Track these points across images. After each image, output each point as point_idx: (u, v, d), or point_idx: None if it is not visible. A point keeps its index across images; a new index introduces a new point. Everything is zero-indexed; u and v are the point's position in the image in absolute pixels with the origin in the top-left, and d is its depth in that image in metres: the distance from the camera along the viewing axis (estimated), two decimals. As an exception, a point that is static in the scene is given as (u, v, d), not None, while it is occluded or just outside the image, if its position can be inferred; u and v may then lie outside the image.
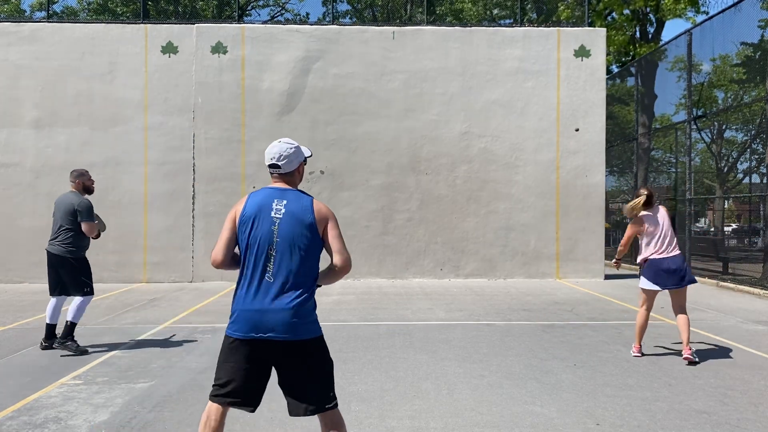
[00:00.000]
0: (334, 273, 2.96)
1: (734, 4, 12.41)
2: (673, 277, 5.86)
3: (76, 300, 6.22)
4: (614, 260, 6.41)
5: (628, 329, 7.43)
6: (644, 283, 6.03)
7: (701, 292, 11.04)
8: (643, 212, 6.05)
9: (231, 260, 2.97)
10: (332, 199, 12.77)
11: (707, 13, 19.86)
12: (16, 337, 7.04)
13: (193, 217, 12.72)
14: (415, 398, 4.75)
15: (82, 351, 6.16)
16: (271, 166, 2.98)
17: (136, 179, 12.68)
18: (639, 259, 6.12)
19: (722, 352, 6.31)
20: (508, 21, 26.46)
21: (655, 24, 21.17)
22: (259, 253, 2.84)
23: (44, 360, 5.98)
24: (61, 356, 6.11)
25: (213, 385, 2.94)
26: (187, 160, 12.75)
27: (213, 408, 2.91)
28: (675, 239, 6.05)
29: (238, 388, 2.86)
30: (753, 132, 22.28)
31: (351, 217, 12.85)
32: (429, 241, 12.96)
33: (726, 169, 26.72)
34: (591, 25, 18.03)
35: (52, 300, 6.35)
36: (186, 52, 12.81)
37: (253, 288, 2.83)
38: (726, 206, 27.00)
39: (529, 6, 25.56)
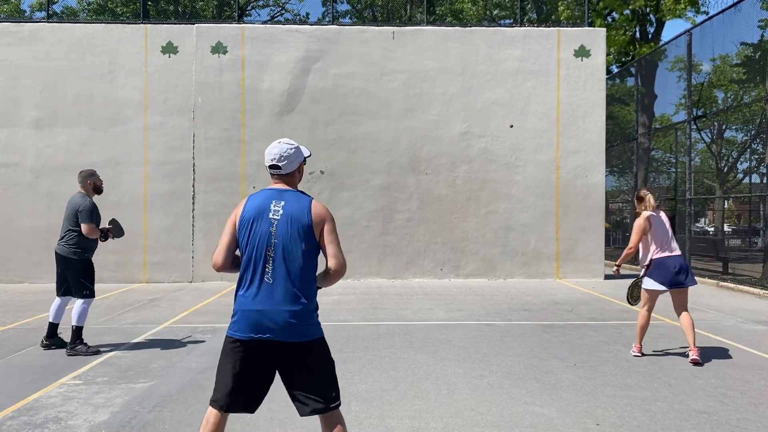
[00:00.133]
0: (329, 276, 2.96)
1: (734, 4, 12.42)
2: (678, 277, 5.86)
3: (78, 304, 6.22)
4: (616, 266, 6.14)
5: (628, 329, 7.43)
6: (649, 284, 6.00)
7: (701, 292, 11.04)
8: (649, 212, 6.07)
9: (232, 263, 2.97)
10: (332, 199, 12.77)
11: (707, 13, 19.87)
12: (16, 337, 7.04)
13: (193, 217, 12.72)
14: (415, 398, 4.75)
15: (94, 352, 6.17)
16: (271, 167, 2.97)
17: (136, 179, 12.68)
18: (646, 261, 6.06)
19: (722, 352, 6.31)
20: (508, 21, 26.46)
21: (655, 24, 21.18)
22: (258, 255, 2.84)
23: (44, 360, 5.98)
24: (68, 355, 6.12)
25: (214, 390, 2.93)
26: (187, 160, 12.75)
27: (213, 412, 2.91)
28: (675, 240, 6.06)
29: (238, 391, 2.85)
30: (753, 132, 22.27)
31: (351, 217, 12.85)
32: (429, 241, 12.96)
33: (726, 169, 26.71)
34: (591, 25, 18.04)
35: (57, 299, 6.40)
36: (186, 52, 12.81)
37: (253, 289, 2.83)
38: (726, 206, 26.98)
39: (528, 6, 25.56)
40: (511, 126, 12.58)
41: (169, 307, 9.44)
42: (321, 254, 2.99)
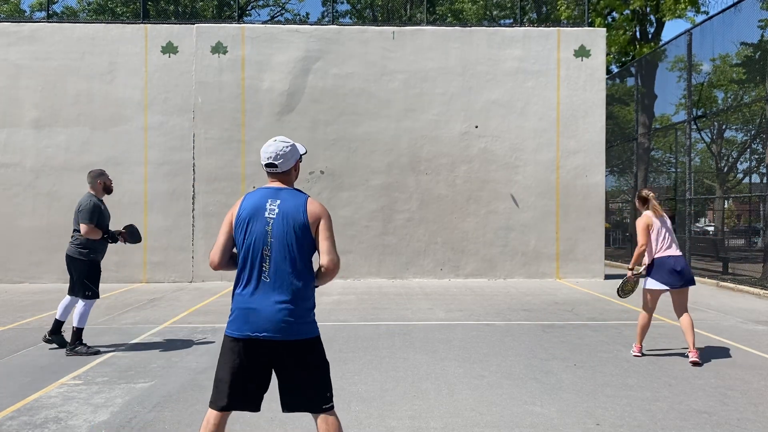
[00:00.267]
0: (322, 275, 2.94)
1: (734, 4, 12.42)
2: (679, 277, 5.87)
3: (79, 305, 6.21)
4: (629, 270, 6.10)
5: (628, 329, 7.43)
6: (651, 283, 5.99)
7: (701, 292, 11.04)
8: (646, 211, 6.08)
9: (228, 262, 2.97)
10: (332, 199, 12.77)
11: (707, 13, 19.88)
12: (16, 337, 7.04)
13: (193, 217, 12.72)
14: (415, 398, 4.75)
15: (94, 352, 6.16)
16: (267, 165, 2.97)
17: (136, 179, 12.68)
18: (647, 260, 6.08)
19: (722, 352, 6.31)
20: (508, 21, 26.46)
21: (655, 24, 21.18)
22: (255, 254, 2.85)
23: (44, 360, 5.98)
24: (68, 355, 6.12)
25: (213, 390, 2.93)
26: (187, 160, 12.75)
27: (213, 413, 2.91)
28: (676, 240, 6.06)
29: (236, 390, 2.86)
30: (753, 132, 22.27)
31: (351, 217, 12.85)
32: (429, 241, 12.96)
33: (726, 169, 26.71)
34: (591, 25, 18.04)
35: (67, 298, 6.40)
36: (186, 52, 12.81)
37: (250, 288, 2.84)
38: (726, 206, 26.97)
39: (528, 6, 25.56)
40: (476, 127, 12.58)
41: (169, 307, 9.44)
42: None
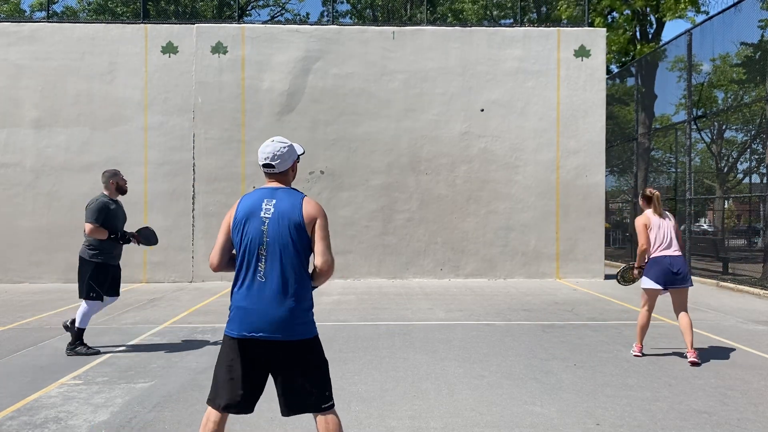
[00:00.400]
0: (317, 275, 2.93)
1: (734, 4, 12.42)
2: (674, 277, 5.87)
3: (82, 305, 6.19)
4: (636, 269, 6.16)
5: (628, 329, 7.43)
6: (646, 282, 6.03)
7: (701, 292, 11.04)
8: (648, 210, 6.10)
9: (228, 263, 2.99)
10: (332, 199, 12.77)
11: (707, 13, 19.87)
12: (16, 337, 7.04)
13: (193, 217, 12.72)
14: (415, 398, 4.75)
15: (94, 352, 6.16)
16: (264, 165, 2.98)
17: (136, 179, 12.66)
18: (644, 258, 6.11)
19: (722, 352, 6.31)
20: (508, 21, 26.46)
21: (655, 24, 21.18)
22: (251, 254, 2.86)
23: (44, 360, 5.98)
24: (68, 355, 6.12)
25: (210, 388, 2.95)
26: (187, 160, 12.76)
27: (212, 411, 2.92)
28: (676, 241, 6.00)
29: (234, 390, 2.86)
30: (753, 132, 22.27)
31: (351, 217, 12.85)
32: (429, 241, 12.96)
33: (726, 169, 26.71)
34: (591, 25, 18.04)
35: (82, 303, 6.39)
36: (186, 52, 12.81)
37: (246, 288, 2.85)
38: (726, 206, 26.97)
39: (527, 5, 25.55)
40: (482, 110, 12.50)
41: (169, 307, 9.44)
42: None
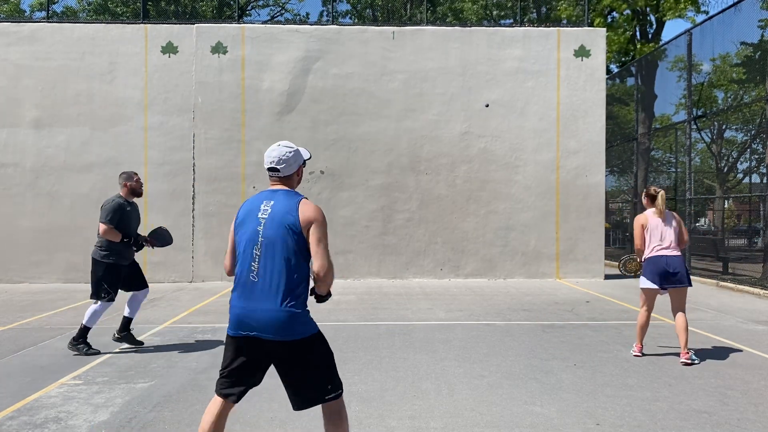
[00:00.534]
0: (315, 281, 2.92)
1: (734, 4, 12.42)
2: (670, 277, 5.86)
3: (94, 305, 6.19)
4: (640, 261, 6.25)
5: (628, 329, 7.43)
6: (643, 282, 6.05)
7: (701, 292, 11.04)
8: (650, 209, 6.08)
9: None
10: (332, 199, 12.77)
11: (707, 13, 19.87)
12: (16, 337, 7.04)
13: (193, 217, 12.72)
14: (415, 398, 4.75)
15: (94, 352, 6.15)
16: (270, 169, 3.00)
17: (136, 179, 12.67)
18: (643, 258, 6.12)
19: (722, 352, 6.31)
20: (508, 21, 26.46)
21: (655, 24, 21.18)
22: (246, 254, 2.90)
23: (44, 360, 5.98)
24: (74, 355, 6.12)
25: (219, 378, 3.02)
26: (187, 160, 12.76)
27: (216, 399, 3.00)
28: (676, 241, 5.97)
29: (239, 379, 2.95)
30: (753, 132, 22.27)
31: (351, 217, 12.85)
32: (429, 241, 12.96)
33: (726, 169, 26.71)
34: (591, 24, 18.04)
35: (135, 295, 6.44)
36: (186, 52, 12.81)
37: (241, 287, 2.90)
38: (726, 206, 26.97)
39: (527, 5, 25.55)
40: (487, 105, 12.37)
41: (169, 307, 9.44)
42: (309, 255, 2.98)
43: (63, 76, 12.65)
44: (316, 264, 2.86)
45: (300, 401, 2.92)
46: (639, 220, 6.13)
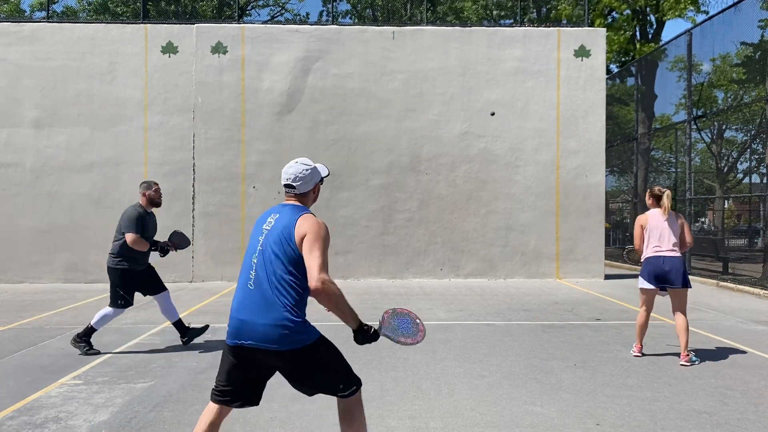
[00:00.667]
0: (316, 297, 2.77)
1: (734, 4, 12.42)
2: (666, 277, 5.84)
3: (106, 308, 6.20)
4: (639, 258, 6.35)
5: (628, 329, 7.43)
6: (640, 282, 6.05)
7: (701, 292, 11.04)
8: (653, 209, 6.07)
9: None
10: (332, 199, 12.78)
11: (707, 13, 19.87)
12: (16, 337, 7.04)
13: (193, 217, 12.72)
14: (415, 398, 4.75)
15: (94, 353, 6.13)
16: (286, 185, 3.02)
17: (136, 179, 12.66)
18: (642, 258, 6.12)
19: (722, 352, 6.31)
20: (508, 21, 26.46)
21: (655, 24, 21.18)
22: (247, 262, 2.92)
23: (44, 360, 5.98)
24: (80, 354, 6.11)
25: (213, 387, 3.01)
26: (187, 160, 12.76)
27: (210, 404, 3.00)
28: (677, 241, 5.93)
29: (234, 391, 2.93)
30: (753, 132, 22.27)
31: (351, 217, 12.85)
32: (429, 241, 12.96)
33: (726, 169, 26.71)
34: (591, 25, 18.04)
35: (161, 297, 6.47)
36: (186, 52, 12.81)
37: (238, 295, 2.91)
38: (726, 206, 26.97)
39: (527, 5, 25.55)
40: (492, 114, 12.17)
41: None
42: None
43: (63, 76, 12.65)
44: (310, 281, 2.70)
45: (309, 393, 2.98)
46: (639, 220, 6.14)
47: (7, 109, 12.58)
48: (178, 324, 6.51)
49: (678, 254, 5.91)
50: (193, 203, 12.73)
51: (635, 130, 17.91)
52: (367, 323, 2.93)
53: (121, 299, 6.14)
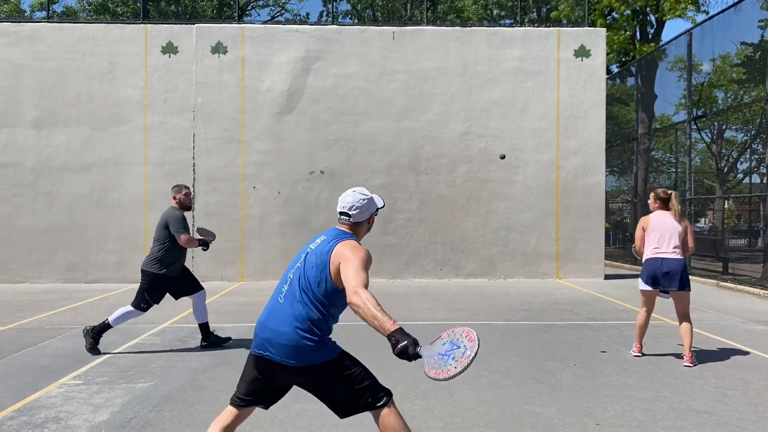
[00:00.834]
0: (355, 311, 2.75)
1: (734, 4, 12.42)
2: (666, 280, 5.80)
3: (126, 307, 6.22)
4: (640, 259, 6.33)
5: (628, 329, 7.43)
6: (640, 283, 6.04)
7: (701, 292, 11.04)
8: (658, 211, 6.05)
9: None
10: (332, 199, 12.77)
11: (707, 13, 19.86)
12: (16, 337, 7.04)
13: (193, 217, 12.72)
14: (416, 398, 4.75)
15: (95, 353, 6.11)
16: (341, 213, 3.04)
17: (136, 179, 12.68)
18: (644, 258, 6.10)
19: (722, 352, 6.31)
20: (508, 21, 26.47)
21: (655, 24, 21.18)
22: (284, 276, 2.98)
23: (44, 360, 5.98)
24: (92, 352, 6.10)
25: (234, 393, 3.03)
26: (187, 160, 12.76)
27: (228, 408, 3.02)
28: (679, 244, 5.87)
29: (254, 398, 2.98)
30: (753, 132, 22.27)
31: (351, 217, 12.84)
32: (429, 241, 12.96)
33: (726, 169, 26.69)
34: (591, 25, 18.04)
35: (194, 300, 6.50)
36: (186, 52, 12.81)
37: (269, 305, 2.95)
38: (726, 206, 26.96)
39: (527, 5, 25.55)
40: (502, 156, 11.64)
41: (169, 307, 9.41)
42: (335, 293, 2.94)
43: (63, 76, 12.65)
44: (348, 297, 2.72)
45: (340, 413, 2.96)
46: (641, 223, 6.12)
47: (7, 109, 12.59)
48: (204, 326, 6.51)
49: (679, 256, 5.84)
50: (192, 203, 12.73)
51: (635, 130, 17.90)
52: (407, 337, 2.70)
53: (144, 303, 6.19)
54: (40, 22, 13.05)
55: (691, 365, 5.71)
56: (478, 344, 2.57)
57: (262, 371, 2.90)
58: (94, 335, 6.14)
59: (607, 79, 16.80)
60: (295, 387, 3.00)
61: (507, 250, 13.00)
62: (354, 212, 3.02)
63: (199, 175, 12.74)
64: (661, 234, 5.91)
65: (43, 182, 12.55)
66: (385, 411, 2.92)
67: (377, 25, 13.56)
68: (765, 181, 20.62)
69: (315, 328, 2.81)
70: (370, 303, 2.66)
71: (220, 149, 12.76)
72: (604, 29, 13.81)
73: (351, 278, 2.71)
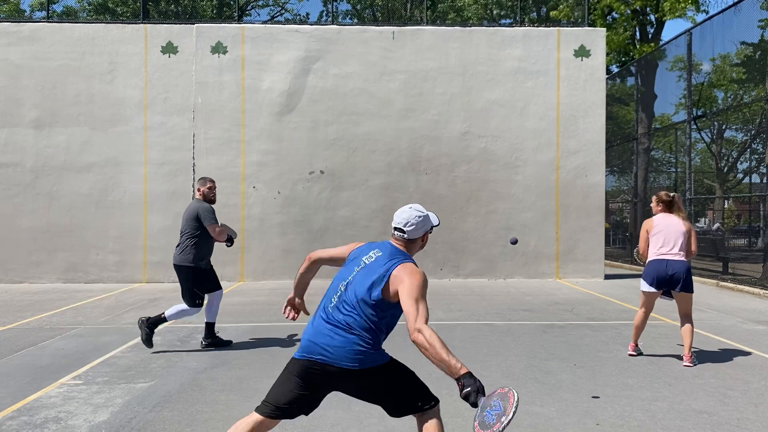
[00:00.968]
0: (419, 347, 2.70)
1: (734, 4, 12.42)
2: (669, 282, 5.80)
3: (182, 304, 6.23)
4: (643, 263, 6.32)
5: (628, 329, 7.42)
6: (642, 284, 6.02)
7: (701, 292, 11.03)
8: (661, 213, 6.05)
9: (321, 262, 3.29)
10: (332, 199, 12.78)
11: (707, 13, 19.88)
12: (16, 337, 7.04)
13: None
14: (415, 398, 4.74)
15: (148, 345, 6.10)
16: (396, 229, 3.01)
17: (136, 179, 12.68)
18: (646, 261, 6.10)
19: (722, 352, 6.31)
20: (508, 21, 26.47)
21: (655, 24, 21.18)
22: (334, 286, 2.96)
23: (44, 360, 5.98)
24: (147, 344, 6.09)
25: (264, 400, 2.97)
26: (187, 160, 12.76)
27: (253, 414, 2.95)
28: (682, 246, 5.86)
29: (289, 406, 2.91)
30: (753, 132, 22.28)
31: (351, 217, 12.85)
32: (429, 241, 12.92)
33: (726, 169, 26.70)
34: (591, 25, 18.04)
35: (210, 298, 6.49)
36: (186, 52, 12.81)
37: (318, 315, 2.92)
38: (726, 206, 26.96)
39: (527, 5, 25.56)
40: (515, 242, 11.43)
41: (169, 307, 9.42)
42: (383, 312, 2.93)
43: (63, 76, 12.65)
44: (408, 327, 2.66)
45: (395, 413, 3.01)
46: (645, 225, 6.10)
47: (7, 109, 12.58)
48: (210, 326, 6.50)
49: (683, 259, 5.83)
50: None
51: (635, 130, 17.91)
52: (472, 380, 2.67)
53: (198, 299, 6.20)
54: (40, 22, 13.05)
55: (690, 365, 5.71)
56: (515, 410, 2.53)
57: (305, 377, 2.84)
58: (150, 327, 6.14)
59: (607, 79, 16.80)
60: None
61: (507, 250, 13.00)
62: (409, 228, 2.98)
63: (199, 175, 12.73)
64: (665, 236, 5.90)
65: (43, 182, 12.56)
66: (432, 420, 3.00)
67: (377, 25, 13.56)
68: (765, 181, 20.63)
69: (369, 339, 2.85)
70: (437, 344, 2.63)
71: (220, 149, 12.76)
72: (604, 29, 13.81)
73: (411, 312, 2.68)
